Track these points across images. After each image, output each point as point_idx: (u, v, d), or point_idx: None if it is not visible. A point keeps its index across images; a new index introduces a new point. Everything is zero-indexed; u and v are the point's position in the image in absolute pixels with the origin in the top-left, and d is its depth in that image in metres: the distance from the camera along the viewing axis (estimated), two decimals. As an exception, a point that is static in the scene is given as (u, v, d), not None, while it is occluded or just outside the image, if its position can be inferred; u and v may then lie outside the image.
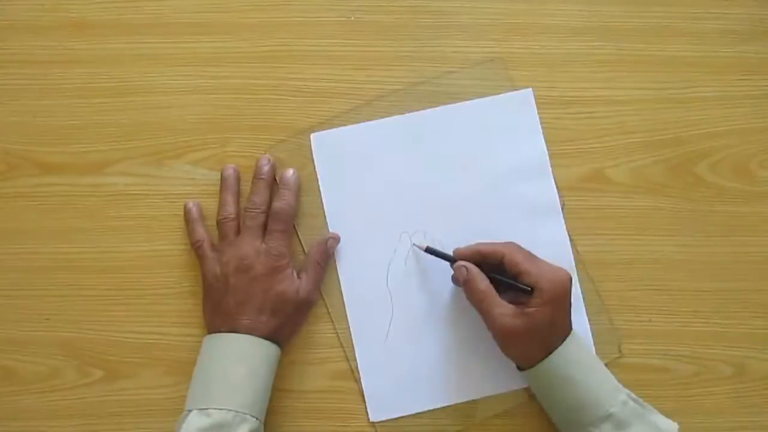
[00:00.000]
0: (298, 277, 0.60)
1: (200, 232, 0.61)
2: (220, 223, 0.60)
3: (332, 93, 0.64)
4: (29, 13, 0.64)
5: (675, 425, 0.55)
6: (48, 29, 0.64)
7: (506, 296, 0.56)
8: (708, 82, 0.65)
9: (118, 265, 0.62)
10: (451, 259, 0.59)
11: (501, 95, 0.64)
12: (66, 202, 0.63)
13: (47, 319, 0.62)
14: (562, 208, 0.62)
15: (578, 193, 0.63)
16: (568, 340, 0.56)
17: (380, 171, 0.63)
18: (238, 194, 0.62)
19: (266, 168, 0.61)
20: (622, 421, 0.54)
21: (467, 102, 0.64)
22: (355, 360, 0.61)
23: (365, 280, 0.62)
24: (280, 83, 0.64)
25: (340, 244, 0.62)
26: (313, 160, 0.63)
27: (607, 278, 0.62)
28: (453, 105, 0.64)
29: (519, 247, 0.58)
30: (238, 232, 0.60)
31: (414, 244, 0.61)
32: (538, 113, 0.64)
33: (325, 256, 0.61)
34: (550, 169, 0.63)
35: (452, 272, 0.59)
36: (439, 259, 0.60)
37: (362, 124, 0.63)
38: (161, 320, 0.62)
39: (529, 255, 0.57)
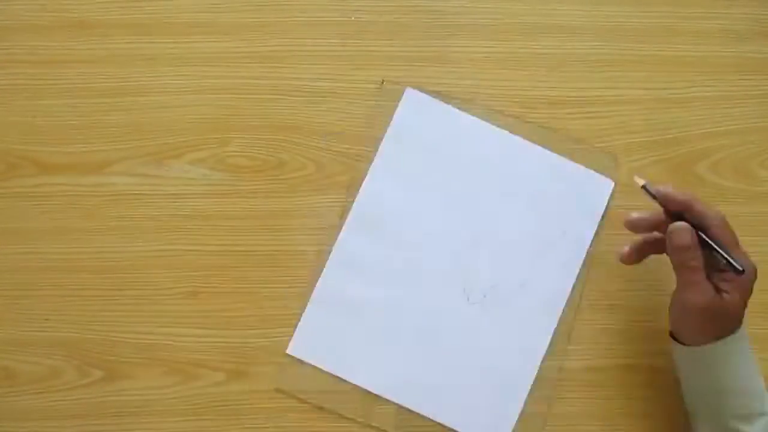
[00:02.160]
0: None
1: None
2: None
3: (332, 93, 0.64)
4: (29, 13, 0.64)
5: None
6: (48, 29, 0.64)
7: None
8: (708, 82, 0.65)
9: (118, 265, 0.62)
10: (656, 198, 0.56)
11: (586, 168, 0.63)
12: (66, 202, 0.63)
13: (47, 319, 0.62)
14: None
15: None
16: (742, 332, 0.55)
17: (441, 163, 0.63)
18: None
19: None
20: None
21: (553, 154, 0.63)
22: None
23: (369, 245, 0.62)
24: (280, 83, 0.64)
25: (364, 203, 0.61)
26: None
27: (608, 278, 0.62)
28: (539, 148, 0.63)
29: (726, 221, 0.55)
30: None
31: (636, 176, 0.57)
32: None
33: None
34: (585, 253, 0.62)
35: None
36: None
37: (457, 109, 0.63)
38: (161, 320, 0.62)
39: (734, 235, 0.56)
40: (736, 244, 0.55)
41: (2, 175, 0.63)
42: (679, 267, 0.56)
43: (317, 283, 0.62)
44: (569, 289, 0.62)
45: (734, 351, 0.55)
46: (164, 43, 0.64)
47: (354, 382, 0.60)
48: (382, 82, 0.63)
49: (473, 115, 0.63)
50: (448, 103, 0.64)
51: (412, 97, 0.63)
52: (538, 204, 0.63)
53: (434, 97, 0.63)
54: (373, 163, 0.63)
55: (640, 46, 0.65)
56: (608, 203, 0.63)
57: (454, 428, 0.59)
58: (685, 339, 0.57)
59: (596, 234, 0.63)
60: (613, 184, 0.63)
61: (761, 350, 0.62)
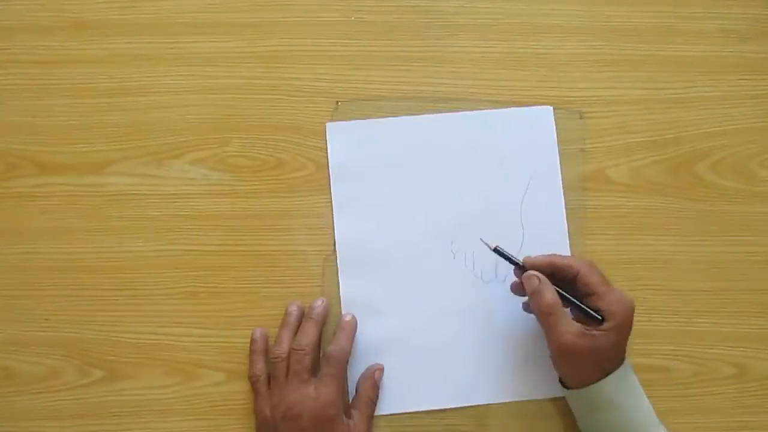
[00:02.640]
0: (349, 417, 0.57)
1: (259, 367, 0.59)
2: (271, 362, 0.59)
3: (332, 93, 0.64)
4: (29, 13, 0.64)
5: None
6: (48, 29, 0.64)
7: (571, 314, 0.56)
8: (708, 82, 0.65)
9: (118, 265, 0.62)
10: (519, 265, 0.58)
11: (521, 108, 0.64)
12: (66, 202, 0.63)
13: (47, 319, 0.62)
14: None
15: (578, 193, 0.63)
16: (622, 367, 0.55)
17: (394, 170, 0.63)
18: (293, 333, 0.59)
19: (319, 309, 0.60)
20: None
21: (486, 111, 0.64)
22: None
23: (368, 281, 0.62)
24: (280, 83, 0.64)
25: (346, 242, 0.62)
26: (326, 152, 0.63)
27: (608, 278, 0.62)
28: (472, 113, 0.64)
29: (593, 265, 0.57)
30: (287, 372, 0.58)
31: (482, 239, 0.59)
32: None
33: (377, 390, 0.59)
34: (560, 180, 0.63)
35: (512, 279, 0.59)
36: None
37: (380, 119, 0.63)
38: (161, 320, 0.62)
39: (603, 276, 0.56)
40: (606, 284, 0.56)
41: (2, 175, 0.63)
42: (536, 313, 0.57)
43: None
44: (564, 226, 0.63)
45: (616, 389, 0.55)
46: (164, 43, 0.64)
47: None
48: (336, 104, 0.64)
49: (397, 116, 0.64)
50: (370, 117, 0.63)
51: (334, 130, 0.63)
52: (498, 162, 0.63)
53: (357, 118, 0.63)
54: (333, 209, 0.62)
55: (640, 46, 0.65)
56: (558, 128, 0.64)
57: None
58: (567, 381, 0.58)
59: (563, 168, 0.63)
60: (551, 108, 0.64)
61: (761, 349, 0.62)
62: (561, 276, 0.57)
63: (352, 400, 0.60)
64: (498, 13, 0.65)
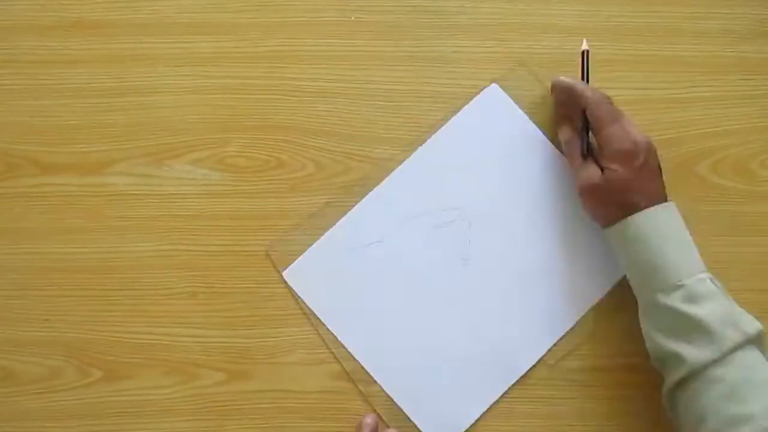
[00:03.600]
0: None
1: None
2: None
3: (332, 93, 0.64)
4: (29, 13, 0.64)
5: (758, 325, 0.53)
6: (48, 29, 0.64)
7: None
8: (708, 82, 0.65)
9: (118, 265, 0.62)
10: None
11: (470, 103, 0.64)
12: (66, 202, 0.63)
13: (47, 319, 0.62)
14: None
15: None
16: (656, 207, 0.56)
17: (374, 264, 0.62)
18: None
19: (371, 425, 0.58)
20: (693, 294, 0.53)
21: (438, 132, 0.64)
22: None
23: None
24: (280, 83, 0.64)
25: (366, 355, 0.61)
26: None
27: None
28: (421, 148, 0.63)
29: (604, 101, 0.58)
30: None
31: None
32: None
33: None
34: (551, 146, 0.64)
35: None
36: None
37: (323, 236, 0.62)
38: (161, 320, 0.62)
39: (612, 113, 0.58)
40: (612, 120, 0.57)
41: (2, 175, 0.63)
42: (569, 157, 0.61)
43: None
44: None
45: (641, 227, 0.55)
46: (164, 43, 0.64)
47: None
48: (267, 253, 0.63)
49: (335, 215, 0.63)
50: (312, 240, 0.62)
51: (292, 275, 0.62)
52: (487, 167, 0.63)
53: (300, 249, 0.62)
54: (340, 339, 0.62)
55: (640, 46, 0.65)
56: (513, 98, 0.64)
57: None
58: (596, 221, 0.59)
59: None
60: (494, 84, 0.64)
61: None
62: (576, 102, 0.59)
63: None
64: (498, 13, 0.65)
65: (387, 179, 0.63)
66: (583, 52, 0.61)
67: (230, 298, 0.62)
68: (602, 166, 0.57)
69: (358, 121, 0.64)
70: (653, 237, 0.55)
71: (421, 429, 0.60)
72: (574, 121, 0.61)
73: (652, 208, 0.56)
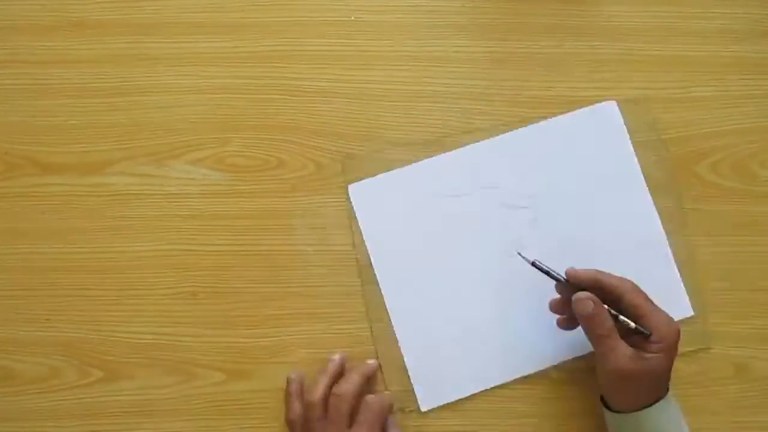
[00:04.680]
0: None
1: (296, 411, 0.58)
2: (305, 405, 0.58)
3: (332, 93, 0.64)
4: (29, 13, 0.64)
5: None
6: (48, 29, 0.64)
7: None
8: (708, 82, 0.65)
9: (118, 265, 0.62)
10: (561, 281, 0.57)
11: (581, 110, 0.64)
12: (66, 202, 0.63)
13: (47, 319, 0.62)
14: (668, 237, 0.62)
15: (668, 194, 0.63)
16: (668, 397, 0.55)
17: (429, 216, 0.63)
18: (332, 380, 0.59)
19: (370, 368, 0.60)
20: None
21: (542, 123, 0.64)
22: (399, 350, 0.61)
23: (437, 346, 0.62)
24: (280, 83, 0.64)
25: (402, 317, 0.61)
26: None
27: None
28: (522, 129, 0.64)
29: (637, 286, 0.56)
30: (323, 416, 0.57)
31: (519, 253, 0.58)
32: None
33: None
34: (643, 182, 0.63)
35: (553, 301, 0.59)
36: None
37: (403, 168, 0.63)
38: (161, 320, 0.62)
39: (647, 298, 0.55)
40: (651, 306, 0.55)
41: (2, 175, 0.63)
42: (590, 335, 0.56)
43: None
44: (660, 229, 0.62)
45: (660, 418, 0.54)
46: (164, 43, 0.64)
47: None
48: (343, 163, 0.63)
49: (409, 163, 0.63)
50: (390, 169, 0.63)
51: (358, 191, 0.63)
52: (574, 174, 0.63)
53: (373, 172, 0.63)
54: (381, 288, 0.62)
55: (640, 46, 0.65)
56: (627, 122, 0.63)
57: None
58: (612, 405, 0.57)
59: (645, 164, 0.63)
60: (614, 102, 0.63)
61: (761, 350, 0.62)
62: (604, 295, 0.55)
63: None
64: (498, 13, 0.65)
65: (479, 143, 0.63)
66: (532, 263, 0.57)
67: (230, 298, 0.62)
68: (648, 351, 0.53)
69: (358, 121, 0.64)
70: (670, 429, 0.55)
71: (414, 387, 0.61)
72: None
73: (666, 400, 0.55)
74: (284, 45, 0.65)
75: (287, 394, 0.60)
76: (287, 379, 0.60)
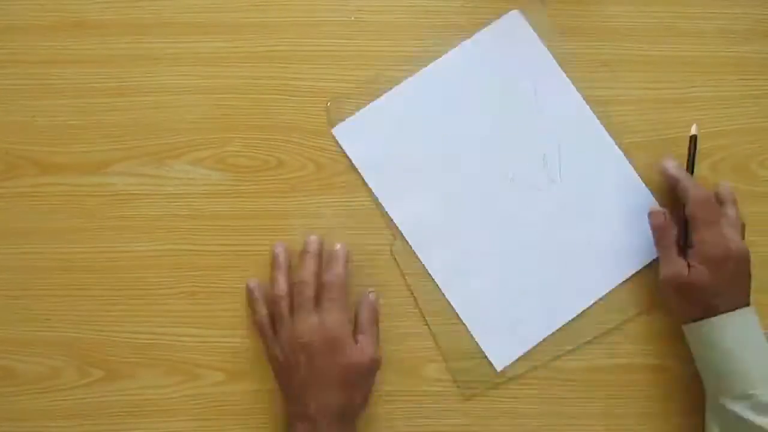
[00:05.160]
0: (356, 342, 0.58)
1: (261, 312, 0.60)
2: (272, 302, 0.59)
3: (333, 93, 0.64)
4: (29, 13, 0.64)
5: None
6: (48, 29, 0.64)
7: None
8: (708, 82, 0.65)
9: (118, 265, 0.62)
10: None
11: (491, 25, 0.65)
12: (66, 202, 0.63)
13: (47, 319, 0.62)
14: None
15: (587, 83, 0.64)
16: (738, 312, 0.56)
17: (415, 138, 0.64)
18: (287, 271, 0.60)
19: (314, 244, 0.60)
20: (762, 405, 0.54)
21: (463, 43, 0.64)
22: (458, 321, 0.62)
23: (446, 249, 0.62)
24: (280, 83, 0.64)
25: (410, 226, 0.62)
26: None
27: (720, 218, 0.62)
28: (452, 51, 0.64)
29: (707, 202, 0.58)
30: (291, 310, 0.59)
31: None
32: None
33: (375, 313, 0.60)
34: (564, 76, 0.64)
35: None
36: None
37: (377, 100, 0.64)
38: (161, 320, 0.62)
39: (713, 214, 0.58)
40: (710, 224, 0.57)
41: (2, 175, 0.63)
42: (657, 246, 0.60)
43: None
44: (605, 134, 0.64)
45: (720, 332, 0.56)
46: (164, 43, 0.64)
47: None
48: (327, 104, 0.64)
49: (389, 89, 0.64)
50: (369, 103, 0.64)
51: (342, 131, 0.63)
52: (499, 82, 0.64)
53: (357, 110, 0.63)
54: (382, 204, 0.63)
55: (640, 46, 0.65)
56: (538, 26, 0.64)
57: None
58: (676, 315, 0.60)
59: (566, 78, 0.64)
60: (517, 11, 0.64)
61: (761, 350, 0.62)
62: (679, 194, 0.60)
63: (355, 328, 0.59)
64: (498, 13, 0.65)
65: (430, 65, 0.64)
66: (691, 138, 0.61)
67: (230, 298, 0.62)
68: (690, 264, 0.57)
69: (358, 121, 0.64)
70: (728, 343, 0.55)
71: (486, 351, 0.61)
72: (670, 208, 0.61)
73: (728, 314, 0.56)
74: (284, 45, 0.65)
75: (250, 300, 0.61)
76: (247, 286, 0.61)
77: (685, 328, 0.58)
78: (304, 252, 0.60)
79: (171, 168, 0.63)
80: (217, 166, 0.63)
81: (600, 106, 0.64)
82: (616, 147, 0.63)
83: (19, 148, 0.63)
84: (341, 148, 0.63)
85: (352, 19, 0.65)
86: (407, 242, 0.62)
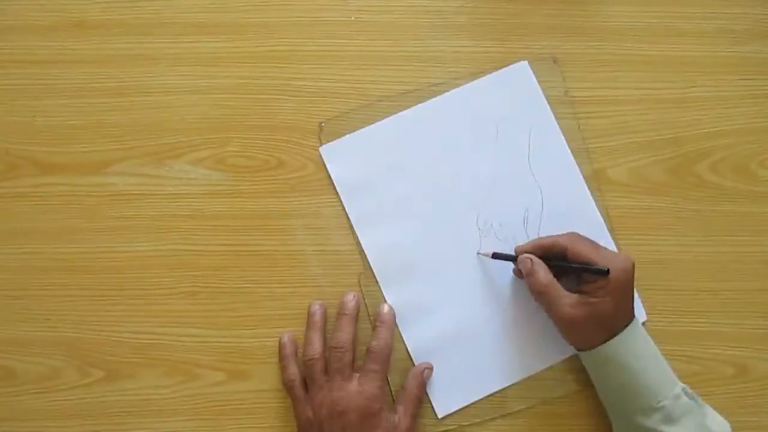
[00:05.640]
0: (395, 413, 0.58)
1: (292, 371, 0.59)
2: (306, 364, 0.59)
3: (332, 93, 0.64)
4: (29, 13, 0.64)
5: (727, 424, 0.55)
6: (48, 29, 0.64)
7: (567, 285, 0.57)
8: (708, 82, 0.65)
9: (118, 265, 0.62)
10: (515, 259, 0.60)
11: (497, 72, 0.64)
12: (66, 202, 0.63)
13: (47, 319, 0.62)
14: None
15: (580, 143, 0.64)
16: (630, 326, 0.56)
17: (398, 170, 0.63)
18: (324, 332, 0.60)
19: (351, 304, 0.60)
20: (672, 415, 0.54)
21: (466, 85, 0.64)
22: (408, 358, 0.61)
23: (410, 284, 0.62)
24: (280, 83, 0.64)
25: (377, 256, 0.62)
26: (324, 168, 0.63)
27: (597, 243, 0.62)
28: (452, 92, 0.64)
29: (580, 236, 0.58)
30: (325, 370, 0.58)
31: (479, 253, 0.61)
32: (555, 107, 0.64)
33: (423, 389, 0.60)
34: (557, 127, 0.64)
35: (504, 287, 0.61)
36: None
37: (369, 126, 0.63)
38: (161, 320, 0.62)
39: (592, 244, 0.58)
40: (597, 249, 0.57)
41: (2, 175, 0.63)
42: (533, 292, 0.58)
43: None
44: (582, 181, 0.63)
45: (620, 350, 0.55)
46: (164, 43, 0.64)
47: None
48: (320, 125, 0.63)
49: (385, 117, 0.64)
50: (356, 128, 0.63)
51: (328, 151, 0.63)
52: (494, 130, 0.63)
53: (342, 135, 0.63)
54: (355, 229, 0.62)
55: (640, 46, 0.65)
56: (546, 83, 0.64)
57: None
58: (576, 346, 0.58)
59: (559, 119, 0.64)
60: (526, 62, 0.64)
61: (761, 350, 0.62)
62: (552, 255, 0.58)
63: (398, 396, 0.59)
64: (498, 13, 0.65)
65: (429, 101, 0.64)
66: (492, 255, 0.61)
67: (230, 298, 0.62)
68: (591, 297, 0.56)
69: (358, 121, 0.64)
70: (631, 359, 0.55)
71: (429, 396, 0.60)
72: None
73: (625, 330, 0.56)
74: (284, 45, 0.65)
75: (282, 357, 0.60)
76: (279, 342, 0.61)
77: (585, 355, 0.57)
78: (341, 314, 0.59)
79: (171, 168, 0.63)
80: (217, 166, 0.63)
81: (601, 106, 0.64)
82: (602, 218, 0.63)
83: (19, 148, 0.63)
84: (315, 155, 0.63)
85: (352, 19, 0.65)
86: (372, 271, 0.62)
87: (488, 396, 0.61)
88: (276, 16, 0.65)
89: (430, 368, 0.60)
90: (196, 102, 0.64)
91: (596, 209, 0.63)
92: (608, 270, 0.55)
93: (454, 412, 0.61)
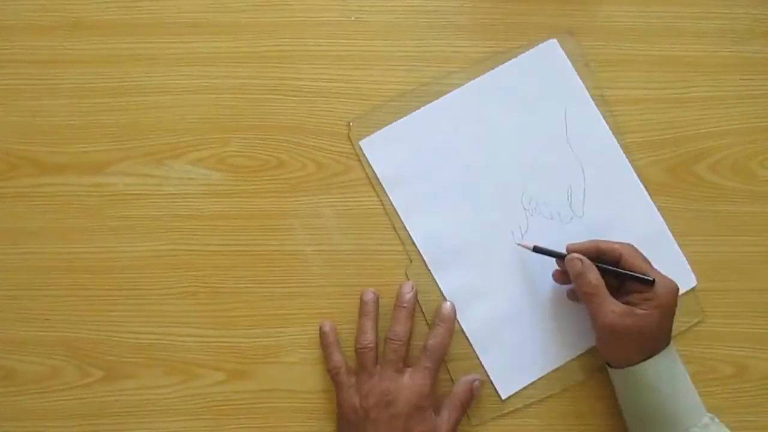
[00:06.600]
0: (438, 414, 0.57)
1: (337, 358, 0.59)
2: (358, 352, 0.58)
3: (332, 93, 0.64)
4: (29, 13, 0.64)
5: None
6: (48, 29, 0.64)
7: (617, 295, 0.56)
8: (708, 82, 0.65)
9: (118, 265, 0.62)
10: (561, 256, 0.59)
11: (527, 53, 0.64)
12: (66, 202, 0.63)
13: (47, 319, 0.62)
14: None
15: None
16: (666, 350, 0.56)
17: (440, 157, 0.63)
18: (377, 321, 0.60)
19: (409, 296, 0.59)
20: None
21: (499, 67, 0.64)
22: (468, 344, 0.61)
23: (461, 269, 0.62)
24: (280, 83, 0.64)
25: (427, 244, 0.62)
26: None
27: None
28: (486, 75, 0.64)
29: (636, 249, 0.58)
30: (376, 361, 0.58)
31: (519, 244, 0.61)
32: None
33: (471, 398, 0.59)
34: (597, 110, 0.64)
35: (554, 269, 0.60)
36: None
37: (406, 117, 0.63)
38: (161, 320, 0.62)
39: (646, 259, 0.57)
40: (650, 266, 0.57)
41: (2, 175, 0.63)
42: (580, 294, 0.58)
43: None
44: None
45: (655, 373, 0.55)
46: (164, 43, 0.64)
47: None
48: (348, 125, 0.64)
49: (422, 106, 0.64)
50: (396, 120, 0.63)
51: (369, 145, 0.63)
52: (530, 109, 0.64)
53: (382, 127, 0.63)
54: (402, 219, 0.62)
55: (640, 46, 0.65)
56: (571, 57, 0.64)
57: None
58: (611, 361, 0.58)
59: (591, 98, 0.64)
60: (555, 40, 0.64)
61: (761, 350, 0.62)
62: (605, 260, 0.57)
63: (446, 399, 0.59)
64: (498, 13, 0.65)
65: (461, 87, 0.64)
66: (534, 248, 0.60)
67: (230, 298, 0.62)
68: (638, 309, 0.55)
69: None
70: (664, 383, 0.55)
71: (492, 379, 0.61)
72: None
73: (665, 352, 0.55)
74: (284, 45, 0.65)
75: (325, 345, 0.60)
76: (321, 330, 0.61)
77: (617, 372, 0.57)
78: (399, 306, 0.59)
79: (171, 168, 0.63)
80: (217, 166, 0.63)
81: (603, 106, 0.64)
82: (644, 189, 0.63)
83: (19, 148, 0.63)
84: (366, 161, 0.63)
85: (352, 19, 0.65)
86: (424, 261, 0.62)
87: (548, 373, 0.61)
88: (276, 16, 0.65)
89: (480, 381, 0.60)
90: (196, 102, 0.64)
91: (638, 180, 0.63)
92: (654, 280, 0.55)
93: (517, 392, 0.61)
